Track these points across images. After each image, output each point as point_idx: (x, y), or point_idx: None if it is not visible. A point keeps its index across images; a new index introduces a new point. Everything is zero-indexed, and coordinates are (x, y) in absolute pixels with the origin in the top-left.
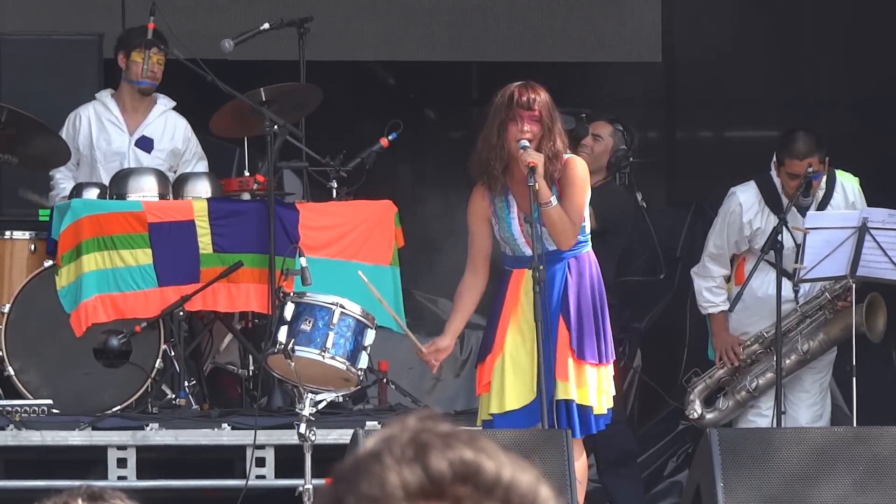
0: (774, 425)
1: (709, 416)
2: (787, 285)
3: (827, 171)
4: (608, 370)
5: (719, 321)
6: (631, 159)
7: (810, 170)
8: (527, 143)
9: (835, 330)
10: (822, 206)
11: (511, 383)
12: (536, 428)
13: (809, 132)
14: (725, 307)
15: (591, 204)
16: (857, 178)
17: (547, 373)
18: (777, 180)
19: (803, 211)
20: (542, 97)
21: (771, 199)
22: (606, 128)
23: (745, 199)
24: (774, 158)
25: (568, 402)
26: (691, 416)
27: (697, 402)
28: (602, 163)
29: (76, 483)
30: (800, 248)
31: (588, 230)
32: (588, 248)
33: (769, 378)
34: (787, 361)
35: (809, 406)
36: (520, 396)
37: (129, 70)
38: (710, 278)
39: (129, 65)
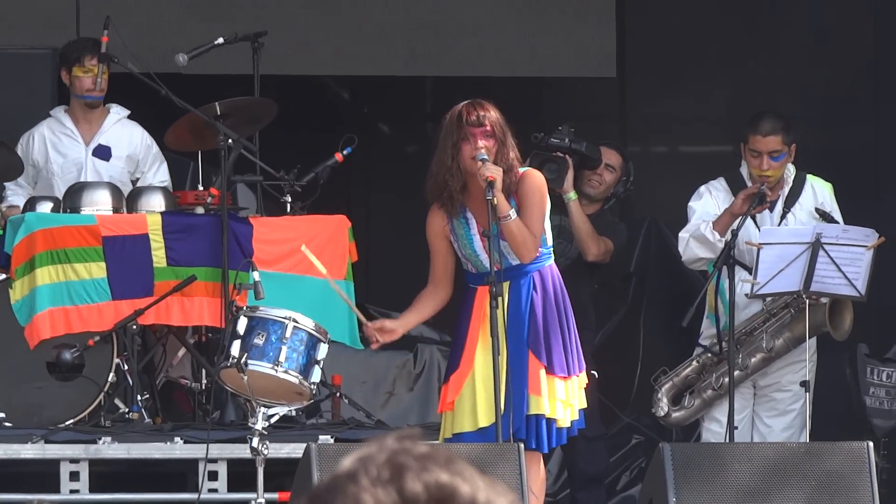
0: (727, 439)
1: (675, 414)
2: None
3: (795, 169)
4: (576, 381)
5: (730, 208)
6: (631, 188)
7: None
8: (486, 157)
9: (800, 328)
10: (790, 204)
11: (483, 400)
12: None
13: (778, 114)
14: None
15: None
16: (830, 184)
17: (517, 387)
18: (745, 174)
19: (771, 206)
20: (491, 113)
21: (739, 191)
22: (617, 158)
23: (712, 187)
24: (742, 144)
25: (538, 417)
26: (658, 414)
27: (664, 401)
28: (607, 193)
29: (28, 497)
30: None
31: (550, 242)
32: (551, 261)
33: (737, 375)
34: (753, 360)
35: (780, 414)
36: (490, 413)
37: (73, 85)
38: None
39: (72, 80)
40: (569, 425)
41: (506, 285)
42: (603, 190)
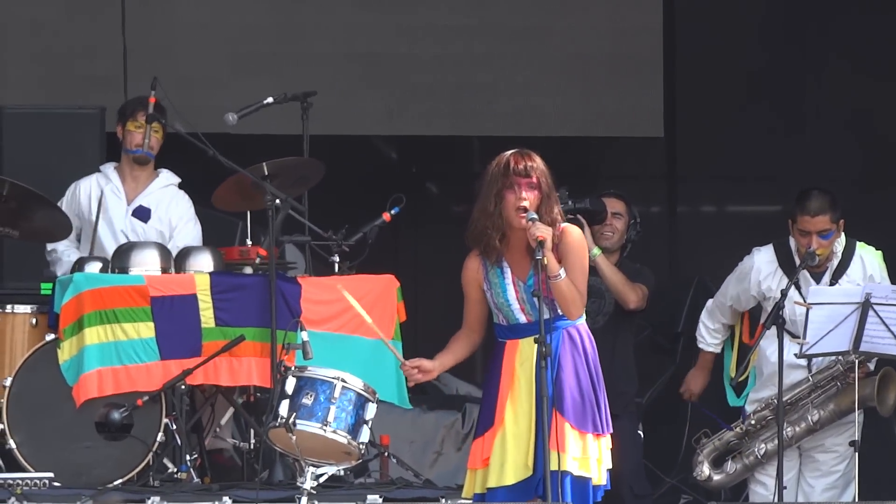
0: (775, 499)
1: (716, 477)
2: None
3: (846, 238)
4: (605, 441)
5: (704, 359)
6: (639, 231)
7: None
8: (535, 216)
9: (846, 402)
10: (838, 275)
11: (511, 458)
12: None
13: (825, 191)
14: (713, 350)
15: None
16: (880, 253)
17: (541, 445)
18: (793, 246)
19: (818, 277)
20: (538, 164)
21: (786, 263)
22: (621, 204)
23: (760, 258)
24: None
25: (563, 474)
26: (699, 478)
27: (706, 464)
28: (622, 241)
29: None
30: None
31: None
32: (583, 320)
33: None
34: (797, 429)
35: (823, 475)
36: (517, 471)
37: (125, 140)
38: (711, 320)
39: (124, 135)
40: (604, 482)
41: (530, 339)
42: (617, 239)
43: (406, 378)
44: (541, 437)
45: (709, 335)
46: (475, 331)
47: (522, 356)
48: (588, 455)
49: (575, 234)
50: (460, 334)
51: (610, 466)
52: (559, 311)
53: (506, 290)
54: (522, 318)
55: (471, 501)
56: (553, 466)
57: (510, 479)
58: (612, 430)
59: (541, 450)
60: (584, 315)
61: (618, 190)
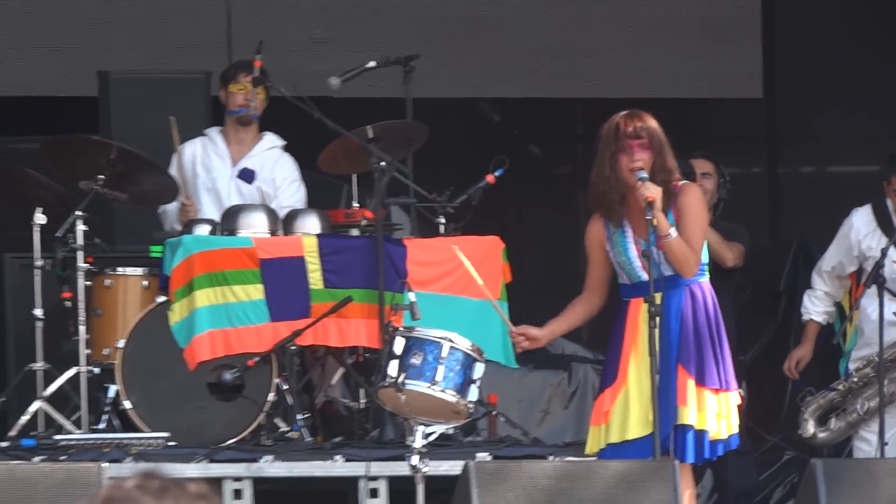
0: (877, 455)
1: (821, 435)
2: None
3: None
4: (729, 397)
5: (809, 329)
6: (729, 187)
7: None
8: (645, 175)
9: None
10: None
11: (634, 414)
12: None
13: None
14: (819, 319)
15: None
16: None
17: (665, 400)
18: (891, 205)
19: None
20: (648, 124)
21: (884, 222)
22: (709, 165)
23: (858, 219)
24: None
25: (684, 428)
26: (804, 435)
27: (811, 422)
28: (714, 201)
29: None
30: None
31: (706, 259)
32: (706, 278)
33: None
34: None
35: None
36: (639, 427)
37: (228, 101)
38: (814, 288)
39: (227, 97)
40: (725, 437)
41: (658, 296)
42: (709, 198)
43: (513, 341)
44: (664, 393)
45: (810, 301)
46: (595, 293)
47: (646, 315)
48: (706, 408)
49: (694, 191)
50: (579, 299)
51: (737, 423)
52: (677, 272)
53: (627, 248)
54: (645, 276)
55: (594, 458)
56: (676, 421)
57: (632, 434)
58: (737, 388)
59: (663, 406)
60: (706, 273)
61: (706, 151)
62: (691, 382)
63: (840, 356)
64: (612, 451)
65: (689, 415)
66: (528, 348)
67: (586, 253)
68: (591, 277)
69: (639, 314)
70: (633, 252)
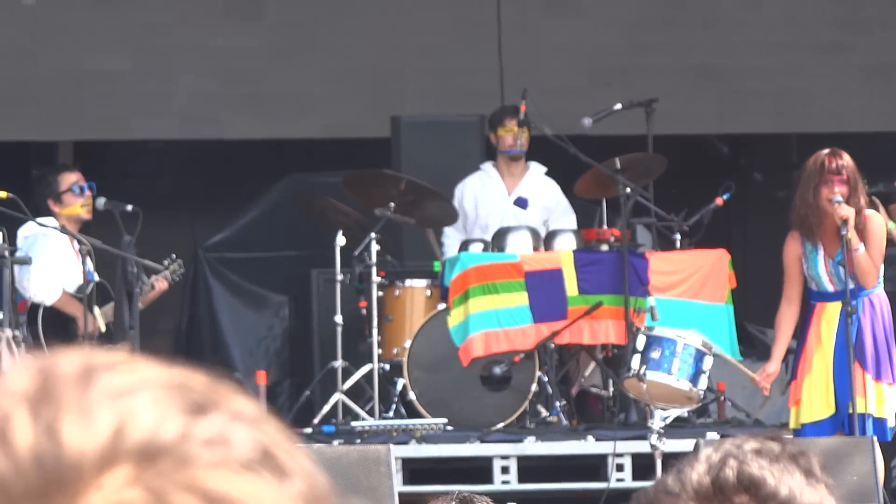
0: None
1: None
2: None
3: None
4: None
5: None
6: None
7: None
8: (841, 199)
9: None
10: None
11: (817, 398)
12: (841, 435)
13: None
14: None
15: None
16: None
17: (842, 390)
18: None
19: None
20: (847, 161)
21: None
22: None
23: None
24: None
25: (865, 416)
26: None
27: None
28: None
29: (463, 487)
30: None
31: (881, 275)
32: (881, 289)
33: None
34: None
35: None
36: (822, 409)
37: (499, 142)
38: None
39: (497, 139)
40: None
41: (840, 303)
42: None
43: (759, 388)
44: (846, 383)
45: None
46: (794, 303)
47: (829, 316)
48: (884, 400)
49: (875, 220)
50: (784, 313)
51: None
52: (860, 282)
53: (817, 264)
54: (829, 287)
55: (791, 436)
56: (853, 410)
57: (818, 415)
58: None
59: (843, 393)
60: (882, 285)
61: None
62: (869, 377)
63: None
64: (806, 429)
65: (866, 404)
66: (770, 383)
67: (784, 266)
68: (791, 290)
69: (822, 315)
70: (823, 268)
